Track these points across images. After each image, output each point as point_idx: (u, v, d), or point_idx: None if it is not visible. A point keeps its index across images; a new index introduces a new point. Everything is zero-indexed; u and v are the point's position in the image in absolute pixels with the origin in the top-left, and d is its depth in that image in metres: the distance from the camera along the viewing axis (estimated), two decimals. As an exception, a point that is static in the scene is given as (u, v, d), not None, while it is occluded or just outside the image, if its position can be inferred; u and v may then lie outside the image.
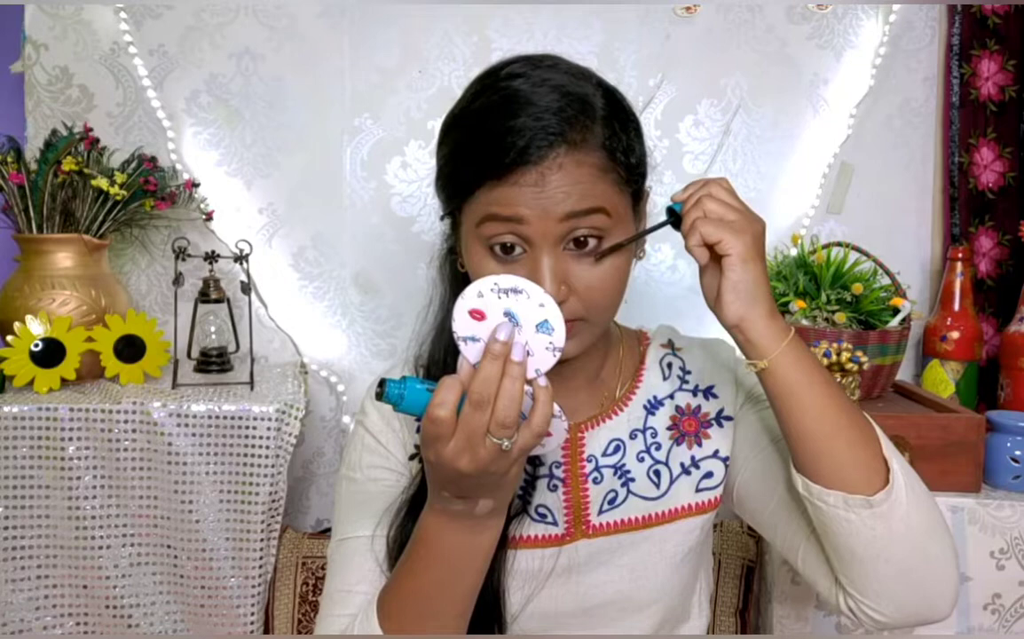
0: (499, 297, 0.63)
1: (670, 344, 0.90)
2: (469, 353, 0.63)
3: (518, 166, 0.67)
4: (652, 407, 0.85)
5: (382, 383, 0.62)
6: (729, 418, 0.85)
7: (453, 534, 0.67)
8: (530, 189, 0.68)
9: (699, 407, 0.85)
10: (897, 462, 0.69)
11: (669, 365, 0.87)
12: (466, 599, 0.71)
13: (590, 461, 0.82)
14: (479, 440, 0.60)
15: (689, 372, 0.87)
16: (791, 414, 0.70)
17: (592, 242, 0.71)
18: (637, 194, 0.76)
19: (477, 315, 0.63)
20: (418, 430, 0.81)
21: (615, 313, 0.78)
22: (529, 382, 0.62)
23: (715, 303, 0.70)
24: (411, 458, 0.83)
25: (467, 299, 0.63)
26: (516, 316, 0.63)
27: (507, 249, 0.70)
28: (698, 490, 0.83)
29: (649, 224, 0.77)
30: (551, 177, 0.68)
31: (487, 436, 0.60)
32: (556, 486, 0.81)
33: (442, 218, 0.81)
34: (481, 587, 0.71)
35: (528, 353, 0.62)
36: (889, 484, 0.67)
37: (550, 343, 0.63)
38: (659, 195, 1.45)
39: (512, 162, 0.67)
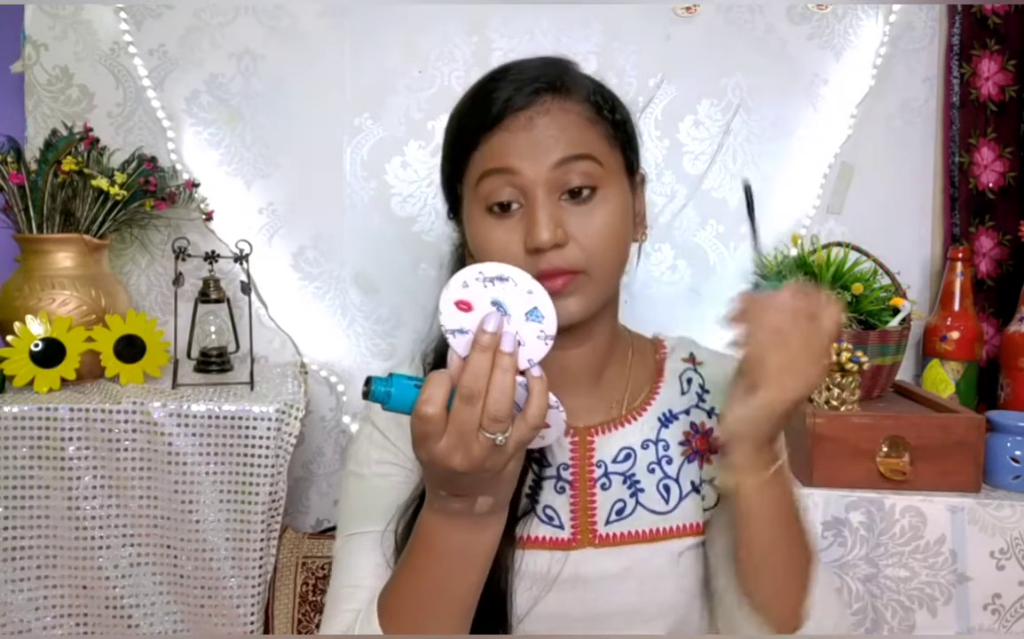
0: (485, 286, 0.61)
1: (691, 358, 0.89)
2: (458, 346, 0.61)
3: (506, 114, 0.71)
4: (667, 420, 0.84)
5: (368, 381, 0.60)
6: None
7: (453, 533, 0.66)
8: (520, 134, 0.71)
9: (711, 429, 0.84)
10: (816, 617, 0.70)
11: (689, 381, 0.87)
12: (467, 599, 0.69)
13: (599, 466, 0.81)
14: (471, 436, 0.59)
15: (708, 391, 0.86)
16: (742, 532, 0.71)
17: (586, 192, 0.72)
18: (629, 162, 0.78)
19: (464, 306, 0.61)
20: None
21: (617, 273, 0.78)
22: (522, 373, 0.61)
23: (730, 389, 0.71)
24: None
25: (452, 290, 0.61)
26: (504, 305, 0.61)
27: (505, 207, 0.72)
28: (705, 510, 0.82)
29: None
30: (539, 120, 0.71)
31: (480, 432, 0.59)
32: (563, 488, 0.80)
33: (449, 217, 0.81)
34: (486, 587, 0.70)
35: (519, 343, 0.60)
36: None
37: (541, 331, 0.62)
38: (658, 194, 1.45)
39: (500, 112, 0.71)
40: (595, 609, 0.80)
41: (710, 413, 0.85)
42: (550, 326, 0.62)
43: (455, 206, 0.81)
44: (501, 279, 0.61)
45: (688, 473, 0.82)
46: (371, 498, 0.80)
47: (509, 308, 0.61)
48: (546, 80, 0.72)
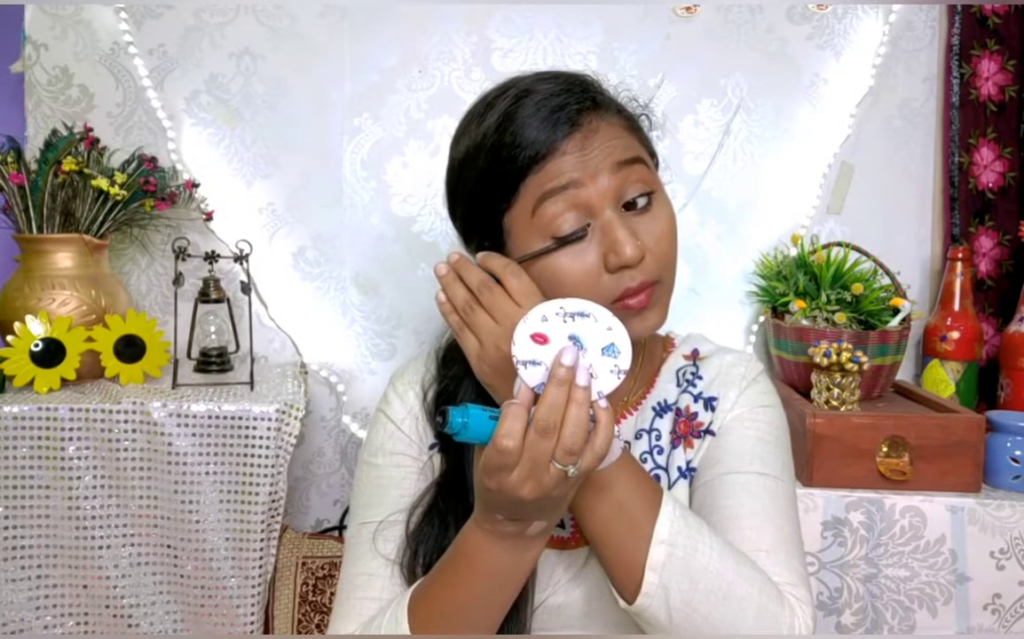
0: (564, 321, 0.62)
1: (694, 355, 0.89)
2: (529, 377, 0.62)
3: (560, 139, 0.70)
4: (661, 410, 0.85)
5: (443, 412, 0.60)
6: (713, 434, 0.83)
7: (500, 552, 0.67)
8: (577, 155, 0.70)
9: (696, 414, 0.84)
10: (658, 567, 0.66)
11: (687, 377, 0.87)
12: (502, 610, 0.71)
13: None
14: (544, 467, 0.59)
15: (700, 378, 0.86)
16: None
17: (642, 201, 0.73)
18: (656, 161, 0.80)
19: (540, 339, 0.62)
20: (445, 442, 0.82)
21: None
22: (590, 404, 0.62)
23: None
24: (431, 448, 0.84)
25: (530, 323, 0.62)
26: (581, 340, 0.62)
27: (569, 235, 0.71)
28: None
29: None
30: (592, 138, 0.71)
31: (552, 463, 0.59)
32: None
33: (469, 246, 0.81)
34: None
35: (591, 376, 0.61)
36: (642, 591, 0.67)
37: (615, 366, 0.62)
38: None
39: (552, 135, 0.70)
40: (592, 605, 0.81)
41: (696, 398, 0.85)
42: (624, 361, 0.63)
43: (491, 237, 0.77)
44: (582, 315, 0.62)
45: (675, 459, 0.83)
46: (385, 487, 0.82)
47: (586, 342, 0.62)
48: (588, 96, 0.73)
